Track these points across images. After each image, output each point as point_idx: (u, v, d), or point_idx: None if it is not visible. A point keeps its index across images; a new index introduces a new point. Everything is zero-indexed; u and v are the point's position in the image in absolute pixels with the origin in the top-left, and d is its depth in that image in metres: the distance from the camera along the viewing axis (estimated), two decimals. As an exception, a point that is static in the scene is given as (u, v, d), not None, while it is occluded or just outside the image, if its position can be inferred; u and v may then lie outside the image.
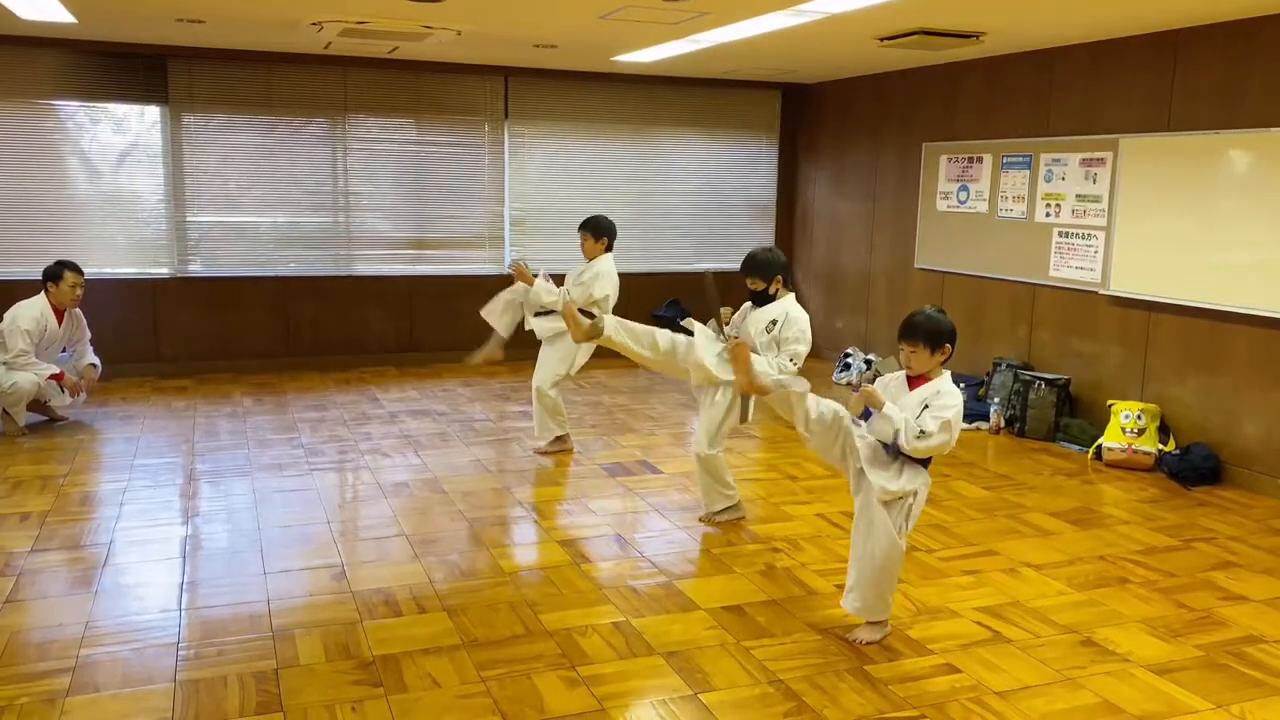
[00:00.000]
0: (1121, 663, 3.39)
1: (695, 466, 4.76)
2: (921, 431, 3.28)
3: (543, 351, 5.81)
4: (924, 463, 3.44)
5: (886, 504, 3.39)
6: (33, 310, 6.01)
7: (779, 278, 4.46)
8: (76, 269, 6.15)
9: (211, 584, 3.90)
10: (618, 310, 5.73)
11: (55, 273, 6.09)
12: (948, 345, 3.37)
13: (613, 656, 3.36)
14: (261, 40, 7.02)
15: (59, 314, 6.14)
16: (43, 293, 6.10)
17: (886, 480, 3.37)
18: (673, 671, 3.26)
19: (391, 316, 8.36)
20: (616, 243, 5.80)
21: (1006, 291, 7.03)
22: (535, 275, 5.73)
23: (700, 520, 4.72)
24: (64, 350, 6.31)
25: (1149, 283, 5.91)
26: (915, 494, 3.41)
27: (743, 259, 4.51)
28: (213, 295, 7.86)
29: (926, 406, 3.34)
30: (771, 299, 4.46)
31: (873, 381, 3.64)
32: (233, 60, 7.58)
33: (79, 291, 6.16)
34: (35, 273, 6.42)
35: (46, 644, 3.36)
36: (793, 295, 4.53)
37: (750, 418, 4.35)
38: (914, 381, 3.45)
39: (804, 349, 4.37)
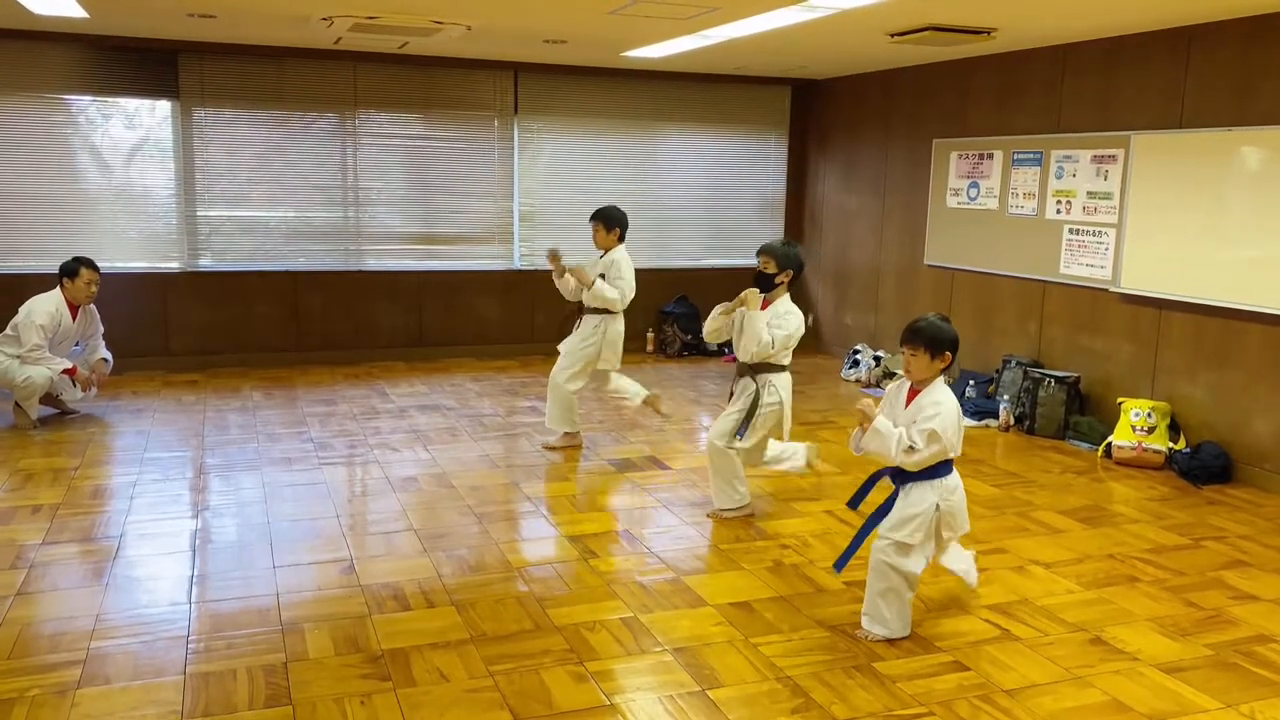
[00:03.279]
0: (1130, 661, 3.38)
1: (708, 461, 4.76)
2: (910, 447, 3.33)
3: (568, 345, 5.81)
4: (937, 474, 3.41)
5: (903, 523, 3.43)
6: (48, 305, 6.04)
7: (789, 272, 4.55)
8: (93, 266, 6.18)
9: (221, 577, 3.91)
10: (628, 307, 5.79)
11: (72, 269, 6.11)
12: (948, 353, 3.41)
13: (620, 652, 3.37)
14: (272, 35, 7.03)
15: (73, 309, 6.16)
16: (58, 288, 6.12)
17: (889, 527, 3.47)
18: (680, 667, 3.27)
19: (401, 311, 8.38)
20: (626, 237, 5.79)
21: (1016, 288, 7.01)
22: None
23: (708, 515, 4.72)
24: (77, 344, 6.34)
25: (1160, 280, 5.88)
26: (933, 511, 3.41)
27: (766, 243, 4.64)
28: (223, 290, 7.88)
29: (914, 421, 3.40)
30: (774, 288, 4.55)
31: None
32: (243, 55, 7.60)
33: (94, 288, 6.19)
34: (47, 267, 6.46)
35: (57, 636, 3.38)
36: (788, 296, 4.61)
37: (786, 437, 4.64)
38: (913, 391, 3.49)
39: (780, 335, 4.49)
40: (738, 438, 4.60)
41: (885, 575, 3.45)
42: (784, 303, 4.59)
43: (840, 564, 3.63)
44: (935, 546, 3.50)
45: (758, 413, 4.57)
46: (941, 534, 3.47)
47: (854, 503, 3.67)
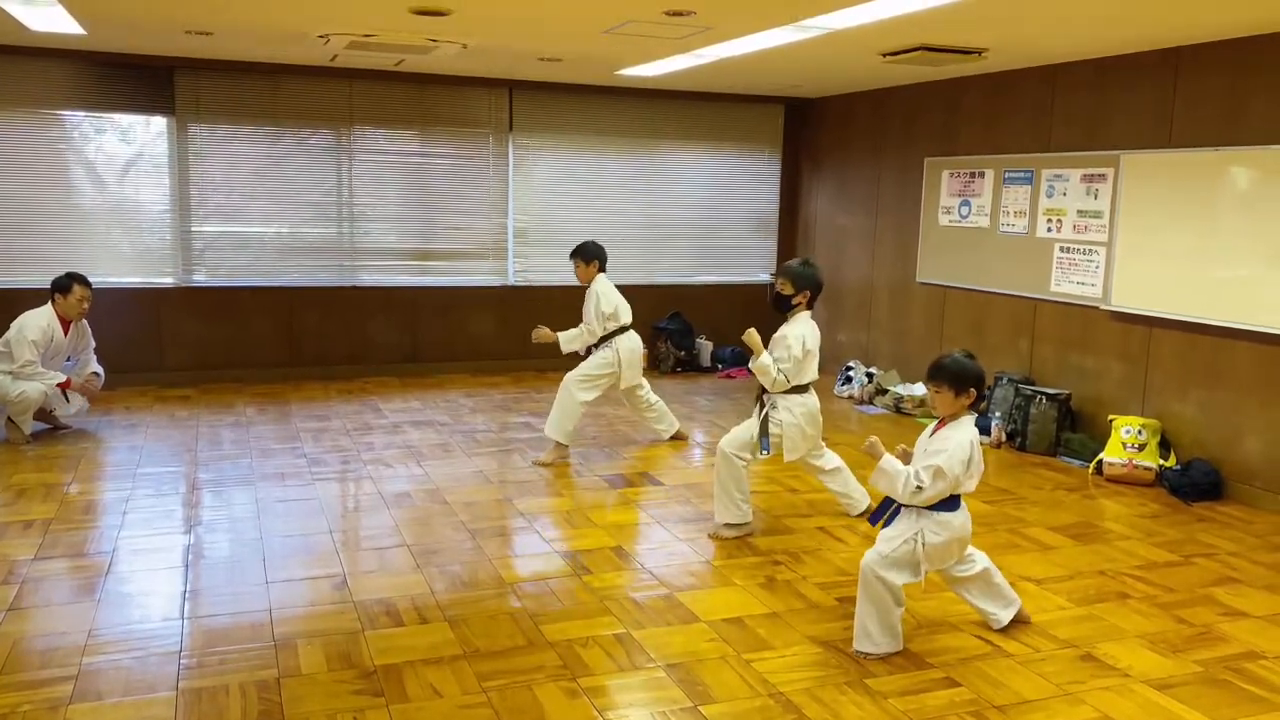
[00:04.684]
0: (1121, 678, 3.40)
1: (715, 467, 4.74)
2: (919, 487, 3.38)
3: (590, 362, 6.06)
4: (933, 506, 3.44)
5: (892, 547, 3.47)
6: (39, 320, 6.04)
7: (806, 292, 4.64)
8: (85, 282, 6.18)
9: (214, 593, 3.91)
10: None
11: (64, 285, 6.12)
12: (972, 389, 3.44)
13: (613, 668, 3.37)
14: (268, 52, 7.06)
15: (65, 324, 6.16)
16: (50, 303, 6.13)
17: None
18: (673, 683, 3.27)
19: (395, 327, 8.39)
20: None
21: (1008, 306, 7.05)
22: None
23: (710, 536, 4.69)
24: (69, 359, 6.33)
25: (1150, 298, 5.92)
26: (916, 537, 3.44)
27: (784, 264, 4.80)
28: (217, 305, 7.88)
29: (926, 450, 3.45)
30: (792, 309, 4.66)
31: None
32: (239, 71, 7.63)
33: (86, 305, 6.20)
34: (41, 281, 6.46)
35: (49, 652, 3.38)
36: (805, 315, 4.67)
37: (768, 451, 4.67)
38: (940, 425, 3.55)
39: (787, 365, 4.58)
40: (762, 452, 4.62)
41: (869, 584, 3.47)
42: (787, 326, 4.64)
43: (875, 517, 3.61)
44: (920, 571, 3.50)
45: (769, 430, 4.63)
46: (920, 565, 3.46)
47: (875, 518, 3.67)
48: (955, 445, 3.38)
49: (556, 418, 5.89)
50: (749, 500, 4.71)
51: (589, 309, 5.96)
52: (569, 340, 6.02)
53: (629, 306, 6.07)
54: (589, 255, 6.02)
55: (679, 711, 3.10)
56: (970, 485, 3.45)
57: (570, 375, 5.94)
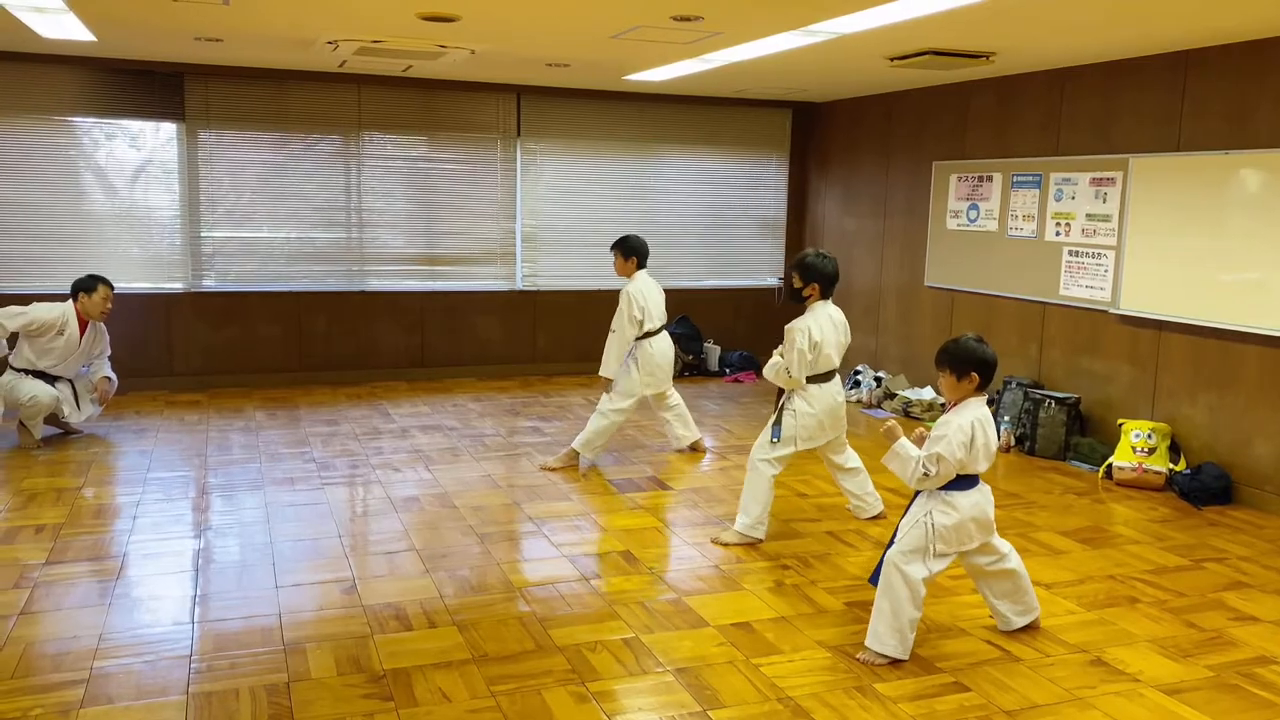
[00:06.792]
0: (1131, 683, 3.39)
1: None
2: (925, 474, 3.40)
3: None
4: (943, 487, 3.46)
5: (904, 532, 3.50)
6: (51, 312, 6.05)
7: (815, 285, 4.60)
8: (109, 284, 6.22)
9: (223, 597, 3.92)
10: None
11: (89, 285, 6.15)
12: (974, 373, 3.44)
13: (622, 672, 3.38)
14: (277, 58, 7.10)
15: (83, 326, 6.18)
16: (70, 301, 6.15)
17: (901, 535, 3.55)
18: (682, 688, 3.27)
19: (403, 331, 8.41)
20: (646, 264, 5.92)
21: (1016, 310, 7.04)
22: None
23: (712, 541, 4.69)
24: (85, 366, 6.36)
25: (1159, 302, 5.91)
26: (925, 519, 3.46)
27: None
28: (226, 310, 7.92)
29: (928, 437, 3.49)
30: (804, 300, 4.65)
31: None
32: (248, 78, 7.67)
33: (109, 305, 6.23)
34: (52, 287, 6.51)
35: (60, 656, 3.39)
36: (819, 305, 4.62)
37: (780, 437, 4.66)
38: (948, 409, 3.55)
39: (792, 358, 4.51)
40: (773, 440, 4.60)
41: (889, 577, 3.47)
42: (799, 318, 4.60)
43: (876, 578, 3.62)
44: (939, 560, 3.48)
45: (784, 420, 4.62)
46: (935, 547, 3.46)
47: (875, 578, 3.66)
48: (954, 429, 3.39)
49: (584, 434, 5.87)
50: (766, 517, 4.66)
51: (620, 311, 5.81)
52: (608, 367, 5.82)
53: (662, 309, 5.96)
54: (628, 249, 5.88)
55: (687, 716, 3.10)
56: (980, 466, 3.44)
57: (605, 399, 5.87)
